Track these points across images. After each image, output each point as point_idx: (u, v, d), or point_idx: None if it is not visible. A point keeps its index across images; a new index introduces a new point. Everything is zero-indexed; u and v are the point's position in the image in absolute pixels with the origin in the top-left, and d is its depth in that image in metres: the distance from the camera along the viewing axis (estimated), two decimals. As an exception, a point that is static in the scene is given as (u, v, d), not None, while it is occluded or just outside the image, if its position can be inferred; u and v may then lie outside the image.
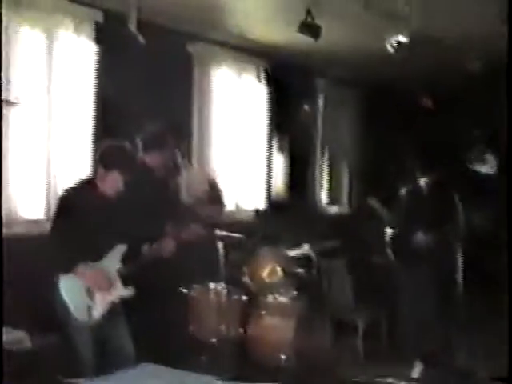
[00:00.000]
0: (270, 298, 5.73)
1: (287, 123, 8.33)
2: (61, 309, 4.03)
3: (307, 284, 6.14)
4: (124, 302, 4.15)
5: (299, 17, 5.72)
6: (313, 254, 6.24)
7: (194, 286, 5.52)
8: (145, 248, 4.52)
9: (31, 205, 5.44)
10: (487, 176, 9.29)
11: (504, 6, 5.31)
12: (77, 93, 5.70)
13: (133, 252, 4.31)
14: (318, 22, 5.79)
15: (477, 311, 6.33)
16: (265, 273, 5.97)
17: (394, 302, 6.30)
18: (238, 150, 7.64)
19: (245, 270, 5.99)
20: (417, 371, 5.73)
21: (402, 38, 6.01)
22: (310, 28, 5.82)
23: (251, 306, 5.60)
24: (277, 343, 5.42)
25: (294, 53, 7.41)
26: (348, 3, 5.68)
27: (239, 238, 5.63)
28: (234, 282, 5.67)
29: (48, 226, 4.29)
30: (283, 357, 5.34)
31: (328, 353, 5.72)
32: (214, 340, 5.32)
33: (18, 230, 5.28)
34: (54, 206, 4.54)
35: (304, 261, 6.30)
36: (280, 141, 8.30)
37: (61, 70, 5.58)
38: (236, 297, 5.53)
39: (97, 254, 4.13)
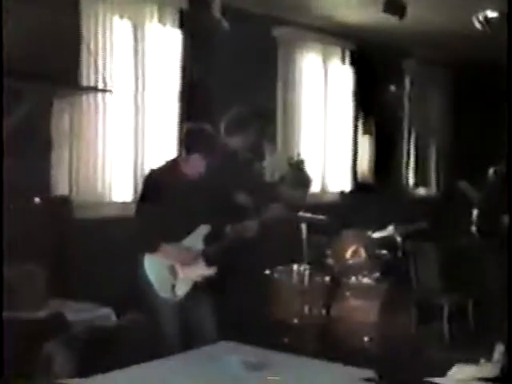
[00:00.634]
0: (353, 280, 5.72)
1: (373, 105, 8.25)
2: (145, 287, 4.15)
3: (392, 266, 6.08)
4: (207, 282, 4.23)
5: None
6: (398, 237, 6.16)
7: (278, 267, 5.57)
8: (228, 229, 4.57)
9: (121, 188, 5.65)
10: None
11: None
12: (163, 78, 5.84)
13: (216, 232, 4.37)
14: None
15: None
16: (348, 254, 5.96)
17: (480, 285, 6.18)
18: (323, 132, 7.63)
19: (328, 251, 6.00)
20: (498, 353, 5.61)
21: (491, 13, 5.84)
22: (394, 6, 5.75)
23: (334, 288, 5.60)
24: (360, 325, 5.41)
25: (380, 33, 7.32)
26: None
27: (323, 219, 5.63)
28: (318, 264, 5.69)
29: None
30: (366, 339, 5.34)
31: (412, 336, 5.68)
32: (296, 321, 5.36)
33: (109, 212, 5.51)
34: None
35: (389, 243, 6.23)
36: (366, 122, 8.24)
37: (147, 57, 5.73)
38: (319, 278, 5.55)
39: (180, 234, 4.21)
